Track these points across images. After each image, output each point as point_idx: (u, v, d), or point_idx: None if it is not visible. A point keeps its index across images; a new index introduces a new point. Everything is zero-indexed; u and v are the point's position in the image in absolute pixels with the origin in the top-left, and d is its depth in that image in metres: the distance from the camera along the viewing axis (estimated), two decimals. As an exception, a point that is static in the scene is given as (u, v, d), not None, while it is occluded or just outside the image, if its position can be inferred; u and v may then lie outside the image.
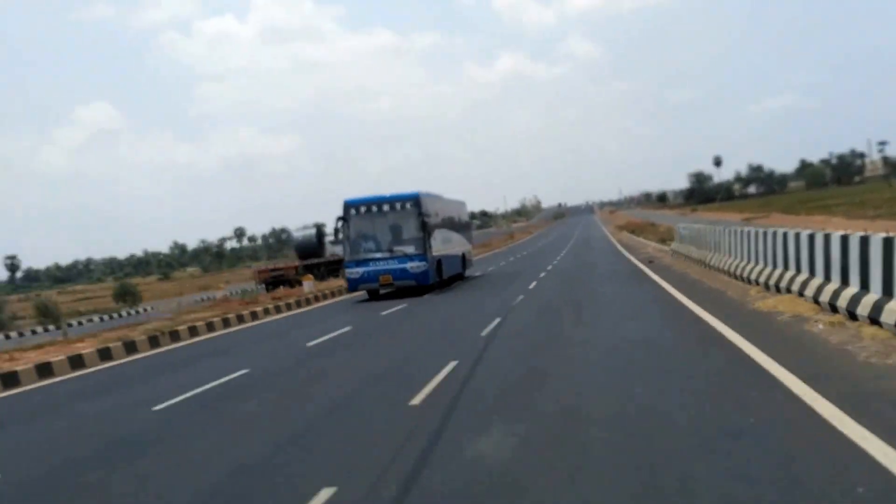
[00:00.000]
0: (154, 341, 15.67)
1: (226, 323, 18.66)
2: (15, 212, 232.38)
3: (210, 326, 17.98)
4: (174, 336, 16.40)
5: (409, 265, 20.83)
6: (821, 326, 8.79)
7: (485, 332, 11.48)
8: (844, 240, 9.23)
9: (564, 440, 5.42)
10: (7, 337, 38.43)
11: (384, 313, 16.93)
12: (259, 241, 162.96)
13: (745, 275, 14.36)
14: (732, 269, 15.50)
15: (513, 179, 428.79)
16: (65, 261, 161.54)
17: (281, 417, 7.37)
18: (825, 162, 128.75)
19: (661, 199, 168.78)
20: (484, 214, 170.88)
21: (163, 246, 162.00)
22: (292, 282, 32.36)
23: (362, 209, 21.23)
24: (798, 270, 11.34)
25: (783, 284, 11.76)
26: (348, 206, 21.23)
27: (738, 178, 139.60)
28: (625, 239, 47.32)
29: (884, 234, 8.32)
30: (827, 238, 9.94)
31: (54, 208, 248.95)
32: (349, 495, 4.61)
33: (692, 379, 7.12)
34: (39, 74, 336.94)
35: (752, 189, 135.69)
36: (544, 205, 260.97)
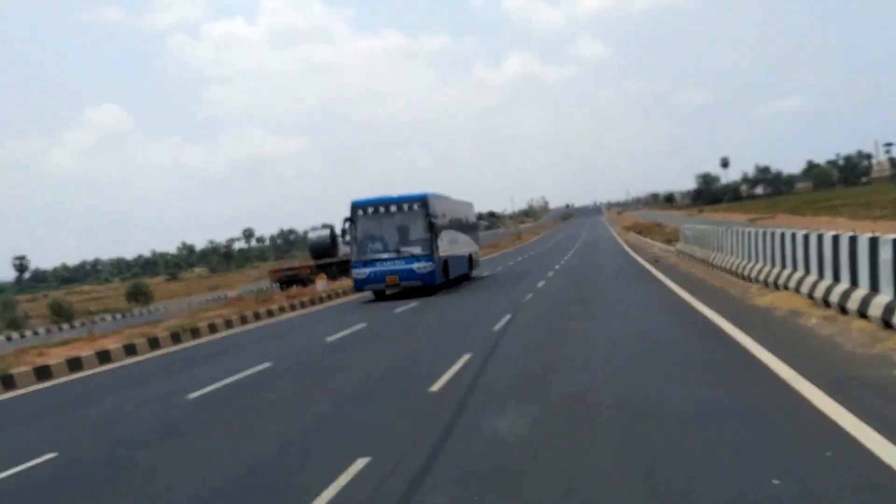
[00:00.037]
0: (176, 338, 16.32)
1: (243, 320, 19.32)
2: (23, 213, 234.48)
3: (228, 324, 18.62)
4: (195, 333, 17.05)
5: (415, 266, 20.95)
6: (814, 320, 9.35)
7: (496, 328, 12.07)
8: (835, 239, 9.79)
9: (573, 419, 6.02)
10: (22, 336, 39.22)
11: (397, 311, 17.52)
12: (267, 242, 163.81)
13: (745, 273, 14.91)
14: (734, 268, 16.05)
15: (520, 180, 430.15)
16: (72, 261, 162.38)
17: (310, 403, 7.98)
18: (832, 163, 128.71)
19: (669, 200, 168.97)
20: (492, 215, 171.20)
21: (170, 247, 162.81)
22: (305, 281, 33.08)
23: (370, 210, 21.42)
24: (795, 268, 11.89)
25: (781, 282, 12.30)
26: (356, 206, 21.42)
27: (746, 180, 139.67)
28: (632, 239, 47.80)
29: (870, 234, 8.88)
30: (820, 238, 10.50)
31: (62, 209, 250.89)
32: (383, 463, 5.21)
33: (690, 367, 7.70)
34: (49, 77, 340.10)
35: (759, 190, 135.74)
36: (552, 205, 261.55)
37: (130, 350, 14.72)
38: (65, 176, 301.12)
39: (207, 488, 5.25)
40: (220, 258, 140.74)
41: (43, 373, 12.50)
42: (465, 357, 9.27)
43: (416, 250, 21.05)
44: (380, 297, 22.03)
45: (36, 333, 38.75)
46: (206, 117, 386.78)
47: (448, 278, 22.85)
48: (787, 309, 10.52)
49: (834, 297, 9.59)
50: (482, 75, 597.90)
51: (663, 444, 5.10)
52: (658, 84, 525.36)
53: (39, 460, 6.56)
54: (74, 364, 13.19)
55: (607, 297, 15.79)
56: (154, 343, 15.50)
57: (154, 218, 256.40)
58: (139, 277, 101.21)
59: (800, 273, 11.57)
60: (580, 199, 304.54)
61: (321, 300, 24.25)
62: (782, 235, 12.61)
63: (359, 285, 21.78)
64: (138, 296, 52.22)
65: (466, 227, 27.75)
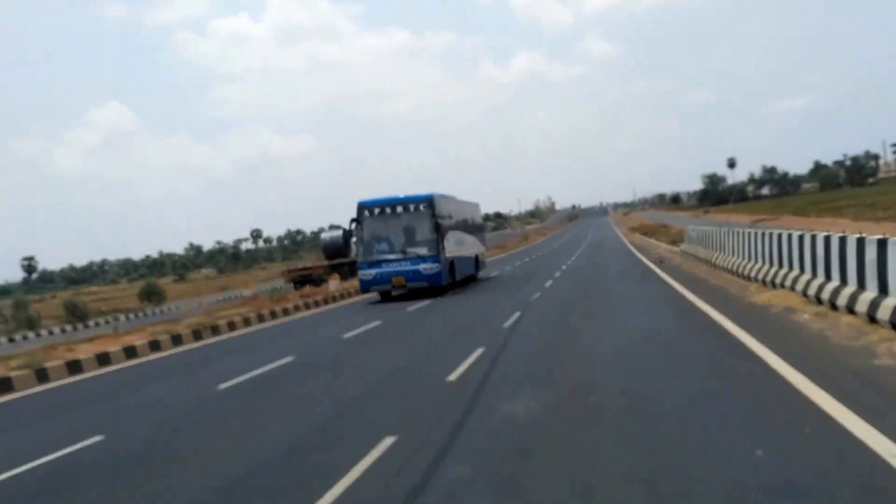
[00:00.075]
0: (197, 335, 16.97)
1: (260, 318, 19.97)
2: (30, 213, 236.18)
3: (246, 321, 19.28)
4: (215, 330, 17.70)
5: (421, 266, 20.94)
6: (806, 316, 9.93)
7: (507, 324, 12.66)
8: (827, 240, 10.36)
9: (580, 403, 6.63)
10: (38, 335, 40.02)
11: (410, 309, 18.12)
12: (274, 243, 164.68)
13: (745, 272, 15.47)
14: (735, 268, 16.60)
15: (527, 180, 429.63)
16: (79, 262, 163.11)
17: (335, 392, 8.61)
18: (839, 164, 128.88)
19: (675, 201, 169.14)
20: (498, 216, 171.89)
21: (178, 247, 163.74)
22: (317, 280, 33.83)
23: (376, 211, 21.37)
24: (791, 268, 12.45)
25: (778, 280, 12.87)
26: (362, 207, 21.37)
27: (752, 180, 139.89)
28: (637, 240, 48.28)
29: (857, 235, 9.44)
30: (813, 238, 11.07)
31: (69, 210, 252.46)
32: (409, 441, 5.81)
33: (689, 358, 8.30)
34: (53, 75, 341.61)
35: (765, 191, 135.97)
36: (558, 206, 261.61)
37: (155, 346, 15.38)
38: (71, 176, 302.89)
39: (252, 463, 5.86)
40: (228, 259, 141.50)
41: (74, 367, 13.16)
42: (479, 351, 9.86)
43: (423, 251, 21.06)
44: (386, 298, 22.03)
45: (51, 333, 39.51)
46: (212, 116, 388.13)
47: (454, 279, 22.88)
48: (783, 306, 11.08)
49: (825, 295, 10.17)
50: (489, 74, 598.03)
51: (662, 423, 5.70)
52: (665, 83, 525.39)
53: (88, 442, 7.19)
54: (103, 359, 13.86)
55: (613, 296, 16.38)
56: (177, 339, 16.17)
57: (161, 218, 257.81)
58: (147, 278, 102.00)
59: (795, 272, 12.13)
60: (586, 200, 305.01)
61: (334, 299, 24.88)
62: (779, 236, 13.18)
63: (365, 286, 21.75)
64: (151, 295, 52.96)
65: (473, 227, 27.78)
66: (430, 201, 21.28)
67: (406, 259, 21.05)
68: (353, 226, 21.51)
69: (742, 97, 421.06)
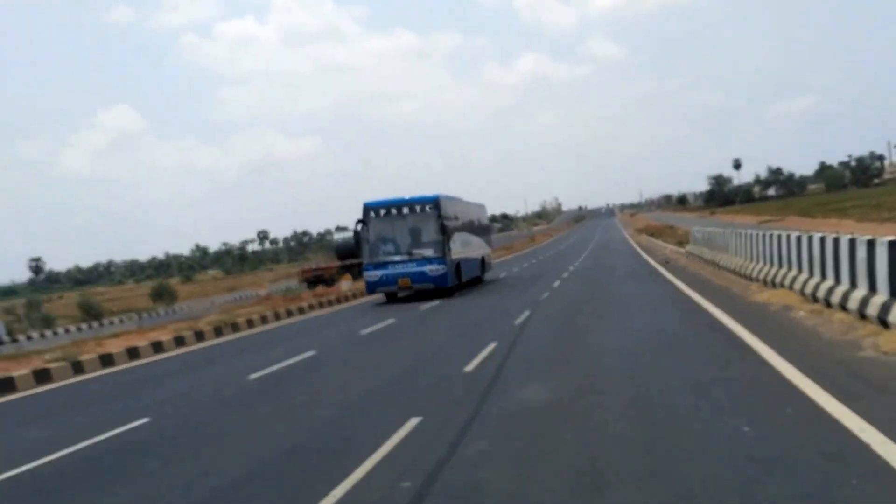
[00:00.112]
0: (218, 331, 17.69)
1: (276, 317, 20.66)
2: (37, 214, 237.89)
3: (264, 319, 19.99)
4: (235, 327, 18.41)
5: (427, 268, 20.93)
6: (801, 313, 10.52)
7: (517, 321, 13.30)
8: (822, 240, 10.95)
9: (587, 388, 7.26)
10: (55, 333, 40.89)
11: (422, 308, 18.76)
12: (280, 244, 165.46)
13: (747, 273, 16.05)
14: (737, 268, 17.19)
15: (533, 181, 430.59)
16: (85, 263, 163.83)
17: (359, 381, 9.27)
18: (844, 164, 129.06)
19: (682, 202, 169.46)
20: (504, 217, 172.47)
21: (184, 248, 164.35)
22: (329, 281, 34.58)
23: (382, 212, 21.41)
24: (790, 267, 13.03)
25: (777, 280, 13.45)
26: (368, 208, 21.42)
27: (758, 181, 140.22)
28: (644, 242, 48.81)
29: (849, 236, 10.03)
30: (810, 239, 11.66)
31: (75, 211, 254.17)
32: (433, 421, 6.46)
33: (689, 351, 8.93)
34: (61, 79, 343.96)
35: (771, 192, 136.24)
36: (565, 207, 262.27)
37: (179, 341, 16.09)
38: (78, 178, 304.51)
39: (292, 440, 6.52)
40: (235, 260, 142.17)
41: (107, 360, 13.86)
42: (492, 345, 10.49)
43: (429, 252, 21.08)
44: (392, 299, 22.10)
45: (67, 331, 40.35)
46: (218, 118, 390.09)
47: (460, 281, 22.89)
48: (781, 304, 11.67)
49: (821, 293, 10.75)
50: (495, 75, 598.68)
51: (661, 404, 6.34)
52: (671, 85, 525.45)
53: (136, 423, 7.87)
54: (133, 353, 14.56)
55: (619, 296, 16.98)
56: (199, 336, 16.87)
57: (167, 220, 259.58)
58: (153, 279, 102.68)
59: (794, 272, 12.72)
60: (593, 201, 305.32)
61: (346, 299, 25.55)
62: (779, 237, 13.76)
63: (371, 288, 21.78)
64: (163, 296, 53.81)
65: (479, 229, 27.77)
66: (436, 202, 21.34)
67: (412, 260, 21.10)
68: (359, 227, 21.58)
69: (748, 98, 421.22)
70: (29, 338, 39.61)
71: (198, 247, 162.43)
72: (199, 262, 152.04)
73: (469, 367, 8.93)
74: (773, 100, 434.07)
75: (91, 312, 46.22)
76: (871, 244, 9.02)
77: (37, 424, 8.93)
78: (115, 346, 15.07)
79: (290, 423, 7.27)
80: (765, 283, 14.40)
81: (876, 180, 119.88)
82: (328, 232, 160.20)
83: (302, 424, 7.14)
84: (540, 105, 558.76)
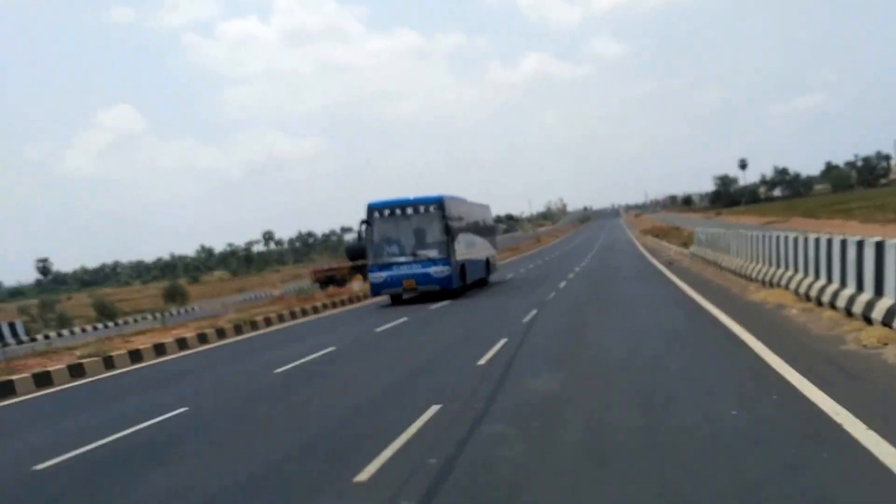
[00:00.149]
0: (238, 329, 18.42)
1: (292, 315, 21.38)
2: (41, 216, 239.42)
3: (280, 318, 20.71)
4: (254, 325, 19.15)
5: (432, 269, 20.95)
6: (794, 311, 11.17)
7: (525, 319, 13.97)
8: (816, 242, 11.60)
9: (593, 378, 7.95)
10: (72, 333, 41.68)
11: (433, 307, 19.43)
12: (286, 245, 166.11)
13: (747, 273, 16.69)
14: (738, 269, 17.82)
15: (538, 182, 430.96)
16: (91, 264, 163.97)
17: (380, 373, 9.96)
18: (850, 164, 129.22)
19: (687, 203, 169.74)
20: (510, 218, 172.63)
21: (189, 249, 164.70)
22: (341, 281, 35.39)
23: (386, 213, 21.38)
24: (786, 268, 13.67)
25: (775, 280, 14.09)
26: (372, 209, 21.41)
27: (764, 181, 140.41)
28: (649, 243, 49.35)
29: (841, 237, 10.67)
30: (805, 240, 12.31)
31: (80, 212, 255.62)
32: (452, 407, 7.14)
33: (687, 345, 9.61)
34: (63, 80, 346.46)
35: (777, 192, 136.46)
36: (570, 208, 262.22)
37: (202, 339, 16.82)
38: (81, 179, 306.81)
39: (322, 426, 7.21)
40: (240, 261, 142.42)
41: (135, 356, 14.58)
42: (503, 341, 11.17)
43: (433, 254, 21.10)
44: (397, 301, 22.03)
45: (84, 331, 41.13)
46: (220, 118, 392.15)
47: (465, 283, 22.85)
48: (776, 303, 12.31)
49: (813, 292, 11.40)
50: (498, 75, 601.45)
51: (658, 390, 7.02)
52: (675, 84, 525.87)
53: (176, 412, 8.57)
54: (160, 349, 15.30)
55: (624, 296, 17.61)
56: (221, 333, 17.60)
57: (172, 221, 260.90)
58: (159, 280, 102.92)
59: (790, 272, 13.36)
60: (598, 202, 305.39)
61: (358, 299, 26.24)
62: (776, 238, 14.41)
63: (375, 289, 21.71)
64: (175, 296, 54.63)
65: (484, 230, 27.78)
66: (440, 203, 21.34)
67: (416, 262, 21.11)
68: (363, 227, 21.62)
69: (753, 97, 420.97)
70: (46, 337, 40.33)
71: (203, 248, 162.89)
72: (205, 263, 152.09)
73: (482, 361, 9.61)
74: (778, 99, 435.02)
75: (105, 312, 47.03)
76: (859, 245, 9.65)
77: (82, 414, 9.64)
78: (142, 343, 15.82)
79: (320, 411, 7.95)
80: (763, 283, 15.03)
81: (883, 180, 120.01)
82: (333, 233, 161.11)
83: (331, 412, 7.82)
84: (543, 104, 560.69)
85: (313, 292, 29.56)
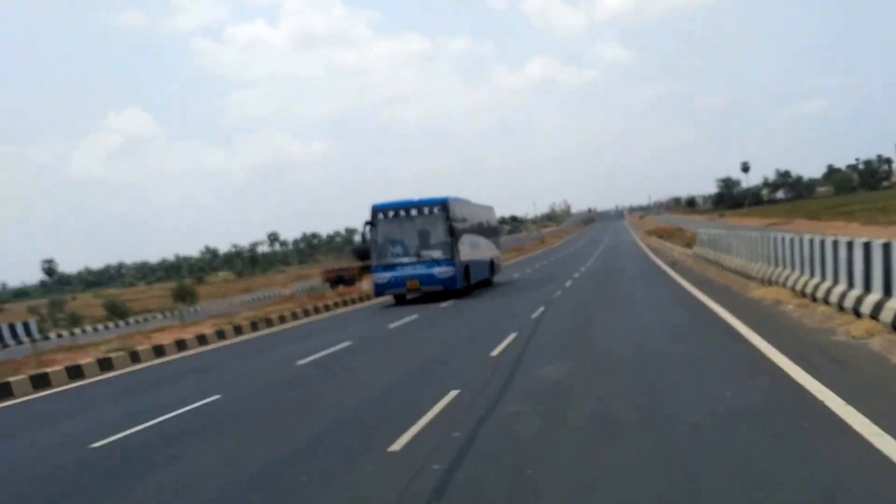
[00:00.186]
0: (255, 326, 19.07)
1: (305, 313, 22.02)
2: (47, 217, 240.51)
3: (294, 315, 21.36)
4: (269, 322, 19.79)
5: (436, 270, 21.06)
6: (790, 307, 11.77)
7: (533, 316, 14.58)
8: (811, 242, 12.20)
9: (600, 367, 8.56)
10: (84, 331, 42.37)
11: (442, 305, 20.04)
12: (290, 246, 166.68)
13: (747, 272, 17.28)
14: (738, 269, 18.42)
15: (542, 184, 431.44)
16: (95, 265, 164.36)
17: (398, 364, 10.59)
18: (852, 167, 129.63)
19: (691, 204, 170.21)
20: (514, 219, 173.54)
21: (193, 250, 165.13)
22: (350, 280, 36.13)
23: (390, 214, 21.51)
24: (784, 267, 14.27)
25: (773, 278, 14.69)
26: (376, 210, 21.54)
27: (766, 184, 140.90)
28: (653, 244, 49.86)
29: (833, 237, 11.27)
30: (801, 241, 12.91)
31: (86, 213, 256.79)
32: (470, 392, 7.75)
33: (687, 337, 10.22)
34: (72, 82, 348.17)
35: (780, 194, 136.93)
36: (574, 210, 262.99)
37: (220, 335, 17.47)
38: (89, 180, 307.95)
39: (349, 410, 7.83)
40: (245, 262, 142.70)
41: (159, 350, 15.23)
42: (513, 335, 11.78)
43: (437, 254, 21.21)
44: (400, 301, 22.27)
45: (96, 330, 41.87)
46: (228, 121, 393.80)
47: (469, 283, 22.90)
48: (774, 299, 12.91)
49: (808, 289, 12.00)
50: (504, 78, 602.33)
51: (660, 375, 7.65)
52: (679, 87, 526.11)
53: (210, 399, 9.20)
54: (181, 344, 15.94)
55: (628, 294, 18.22)
56: (238, 330, 18.25)
57: (177, 222, 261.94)
58: (164, 281, 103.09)
59: (787, 270, 13.95)
60: (602, 203, 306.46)
61: (368, 298, 26.83)
62: (774, 239, 15.01)
63: (379, 290, 21.82)
64: (185, 296, 55.35)
65: (488, 231, 27.86)
66: (444, 204, 21.51)
67: (420, 262, 21.25)
68: (367, 229, 21.80)
69: (756, 101, 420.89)
70: (59, 335, 41.05)
71: (207, 248, 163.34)
72: (210, 263, 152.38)
73: (494, 353, 10.23)
74: (781, 103, 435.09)
75: (117, 311, 47.73)
76: (849, 245, 10.26)
77: (121, 402, 10.28)
78: (164, 339, 16.47)
79: (345, 397, 8.58)
80: (762, 281, 15.62)
81: (884, 183, 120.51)
82: (337, 234, 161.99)
83: (356, 397, 8.44)
84: (548, 108, 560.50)
85: (324, 291, 30.23)
